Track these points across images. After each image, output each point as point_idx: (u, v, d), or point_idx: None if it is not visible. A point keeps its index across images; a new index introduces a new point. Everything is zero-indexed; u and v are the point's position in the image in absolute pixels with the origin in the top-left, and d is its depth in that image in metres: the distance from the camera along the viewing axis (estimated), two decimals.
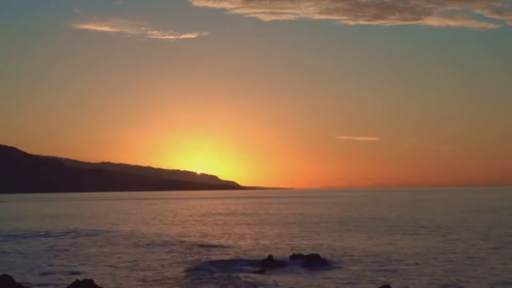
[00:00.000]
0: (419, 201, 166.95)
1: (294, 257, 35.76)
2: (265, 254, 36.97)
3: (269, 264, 33.61)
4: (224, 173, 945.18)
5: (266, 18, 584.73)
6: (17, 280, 28.97)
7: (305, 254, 35.87)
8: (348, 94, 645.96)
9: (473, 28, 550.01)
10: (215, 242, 49.55)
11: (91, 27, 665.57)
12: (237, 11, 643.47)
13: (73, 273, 32.65)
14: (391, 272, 32.20)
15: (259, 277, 31.26)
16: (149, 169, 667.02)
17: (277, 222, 74.54)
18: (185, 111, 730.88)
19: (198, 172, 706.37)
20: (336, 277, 30.97)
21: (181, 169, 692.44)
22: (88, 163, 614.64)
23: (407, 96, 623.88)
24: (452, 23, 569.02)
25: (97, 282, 27.41)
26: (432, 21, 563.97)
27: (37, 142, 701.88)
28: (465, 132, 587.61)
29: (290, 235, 55.04)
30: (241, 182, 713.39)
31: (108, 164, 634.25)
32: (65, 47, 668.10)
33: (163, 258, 38.90)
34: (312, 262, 34.04)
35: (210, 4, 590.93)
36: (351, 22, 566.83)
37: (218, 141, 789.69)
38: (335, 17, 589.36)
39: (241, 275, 32.04)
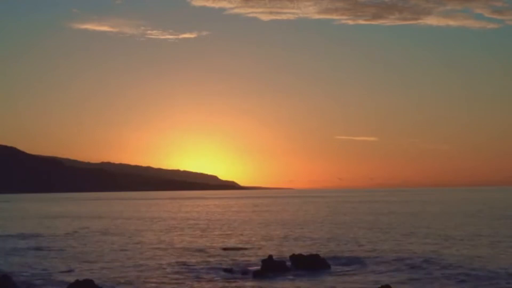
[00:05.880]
0: (420, 201, 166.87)
1: (294, 257, 35.68)
2: (265, 254, 36.91)
3: (269, 264, 33.53)
4: (224, 173, 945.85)
5: (265, 17, 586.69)
6: (17, 280, 28.94)
7: (305, 254, 35.82)
8: (347, 94, 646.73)
9: (473, 28, 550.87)
10: (215, 241, 49.52)
11: (90, 26, 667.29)
12: (236, 10, 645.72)
13: (73, 273, 32.63)
14: (391, 272, 32.18)
15: (259, 277, 31.25)
16: (149, 169, 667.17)
17: (277, 223, 74.49)
18: (185, 111, 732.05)
19: (198, 172, 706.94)
20: (337, 278, 30.95)
21: (181, 169, 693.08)
22: (88, 163, 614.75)
23: (406, 96, 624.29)
24: (452, 22, 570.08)
25: (97, 282, 27.39)
26: (432, 20, 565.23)
27: (37, 142, 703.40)
28: (465, 132, 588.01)
29: (290, 236, 54.98)
30: (241, 182, 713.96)
31: (108, 164, 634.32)
32: (64, 47, 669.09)
33: (163, 260, 38.89)
34: (312, 262, 33.98)
35: (209, 4, 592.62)
36: (350, 22, 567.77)
37: (218, 141, 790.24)
38: (334, 16, 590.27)
39: (241, 275, 32.03)
